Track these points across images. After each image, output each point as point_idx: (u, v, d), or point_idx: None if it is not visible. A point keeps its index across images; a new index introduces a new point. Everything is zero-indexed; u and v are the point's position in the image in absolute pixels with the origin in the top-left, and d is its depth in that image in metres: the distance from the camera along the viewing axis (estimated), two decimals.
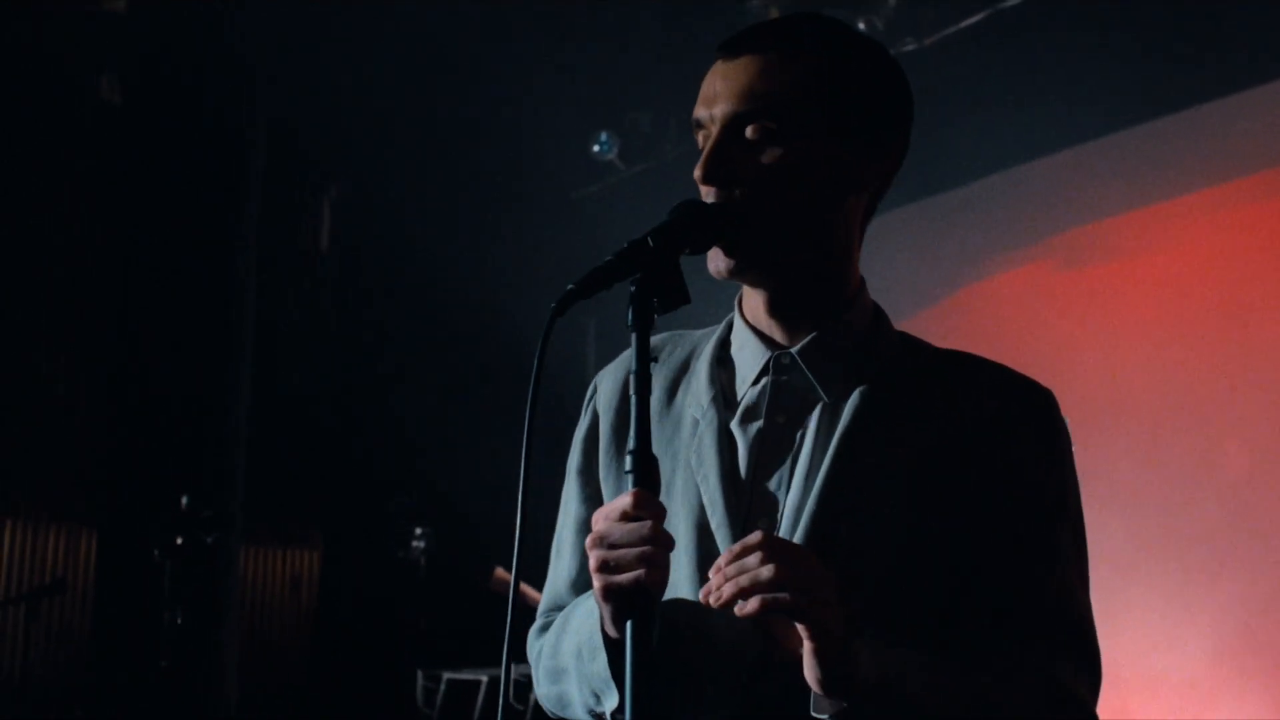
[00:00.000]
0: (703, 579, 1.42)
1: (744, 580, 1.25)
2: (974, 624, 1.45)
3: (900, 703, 1.32)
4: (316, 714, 8.07)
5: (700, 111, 1.52)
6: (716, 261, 1.49)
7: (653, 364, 1.57)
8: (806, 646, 1.28)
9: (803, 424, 1.51)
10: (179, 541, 5.92)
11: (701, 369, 1.60)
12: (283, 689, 8.18)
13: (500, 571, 6.87)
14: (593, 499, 1.68)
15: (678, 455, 1.56)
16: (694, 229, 1.44)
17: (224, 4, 6.90)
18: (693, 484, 1.53)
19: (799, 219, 1.49)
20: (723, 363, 1.60)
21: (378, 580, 7.76)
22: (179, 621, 5.90)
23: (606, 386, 1.72)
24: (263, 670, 8.00)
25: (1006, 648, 1.43)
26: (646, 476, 1.30)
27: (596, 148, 7.81)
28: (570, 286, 1.34)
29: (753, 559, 1.26)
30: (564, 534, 1.75)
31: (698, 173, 1.48)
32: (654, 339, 1.62)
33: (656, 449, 1.50)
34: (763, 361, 1.54)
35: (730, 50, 1.52)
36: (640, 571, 1.28)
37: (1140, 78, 5.98)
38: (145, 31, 7.20)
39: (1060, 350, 6.10)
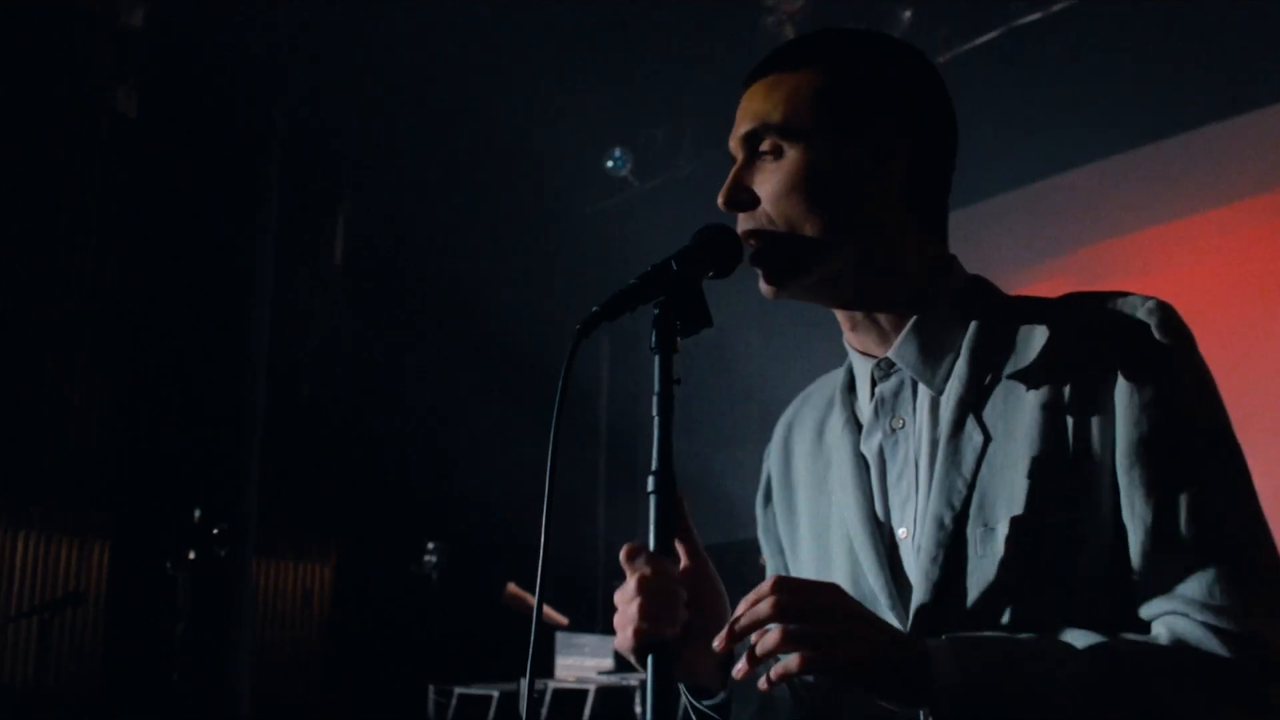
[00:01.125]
0: (859, 600, 1.42)
1: (748, 622, 1.24)
2: (1142, 576, 1.33)
3: (997, 701, 1.24)
4: None
5: (730, 139, 1.54)
6: (761, 284, 1.50)
7: (803, 403, 1.71)
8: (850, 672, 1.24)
9: (917, 423, 1.49)
10: (191, 555, 5.92)
11: (836, 400, 1.61)
12: (294, 702, 8.18)
13: (512, 587, 6.86)
14: (777, 553, 1.72)
15: (831, 491, 1.57)
16: (717, 253, 1.45)
17: (239, 18, 6.93)
18: (841, 514, 1.53)
19: (819, 224, 1.47)
20: (851, 389, 1.60)
21: (390, 594, 7.76)
22: (191, 634, 5.90)
23: (774, 450, 1.74)
24: (274, 683, 8.00)
25: (1169, 611, 1.31)
26: (665, 497, 1.31)
27: (611, 163, 7.83)
28: (595, 309, 1.34)
29: (763, 609, 1.24)
30: None
31: (720, 201, 1.50)
32: (811, 385, 1.72)
33: (812, 488, 1.59)
34: (869, 375, 1.54)
35: (750, 76, 1.54)
36: (632, 626, 1.29)
37: (1154, 96, 5.98)
38: (161, 45, 7.24)
39: None
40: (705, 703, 1.46)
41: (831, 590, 1.28)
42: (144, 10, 7.32)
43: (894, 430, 1.50)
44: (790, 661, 1.21)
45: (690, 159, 7.53)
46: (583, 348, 1.31)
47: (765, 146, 1.48)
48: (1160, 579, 1.32)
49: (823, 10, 6.71)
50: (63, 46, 7.44)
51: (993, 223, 6.96)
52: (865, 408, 1.55)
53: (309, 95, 7.54)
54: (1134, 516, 1.33)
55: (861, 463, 1.53)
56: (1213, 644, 1.27)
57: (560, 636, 6.67)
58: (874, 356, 1.53)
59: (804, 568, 1.61)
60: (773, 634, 1.22)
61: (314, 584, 8.67)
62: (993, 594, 1.36)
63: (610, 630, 1.35)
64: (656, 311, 1.35)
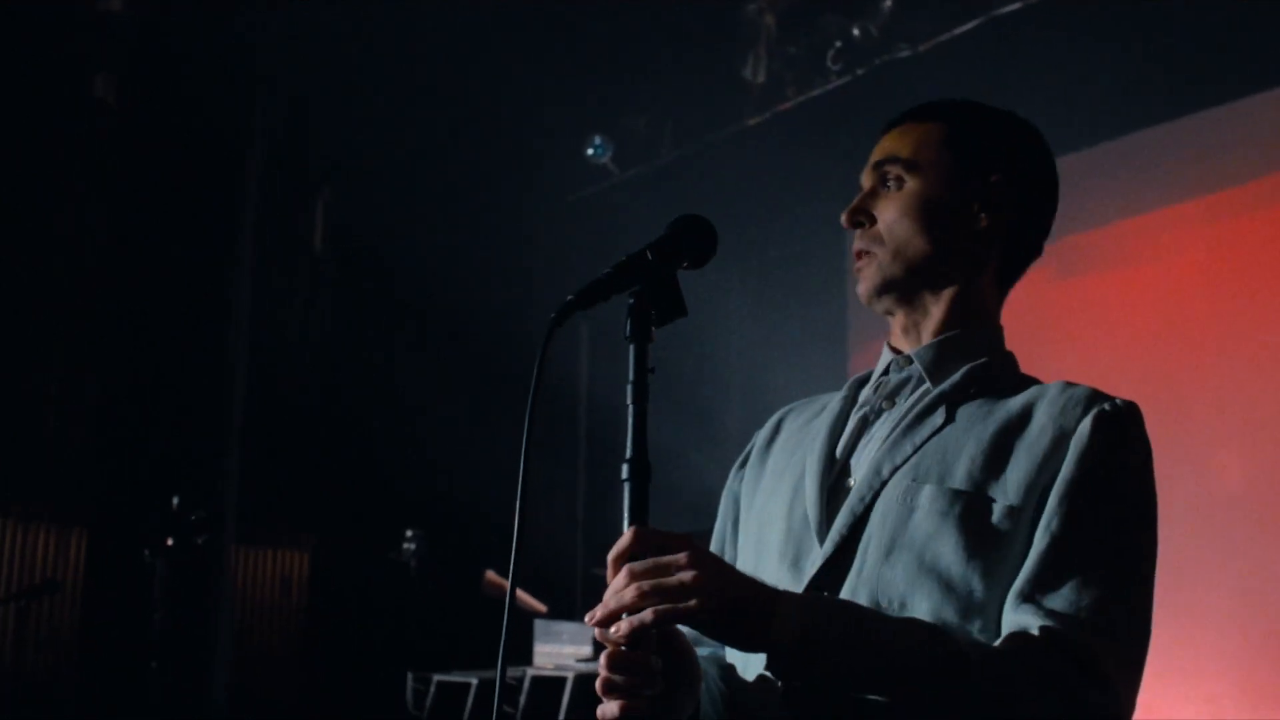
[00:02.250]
0: (786, 530, 1.61)
1: (610, 604, 1.31)
2: (1025, 577, 1.45)
3: (820, 656, 1.33)
4: (306, 715, 8.06)
5: (862, 177, 1.75)
6: (858, 288, 1.71)
7: (809, 401, 1.84)
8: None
9: (904, 406, 1.64)
10: (170, 542, 5.91)
11: (843, 390, 1.78)
12: (273, 690, 8.17)
13: (490, 575, 6.87)
14: (731, 529, 1.85)
15: (810, 446, 1.69)
16: (692, 243, 1.48)
17: (219, 5, 6.91)
18: (803, 459, 1.67)
19: (923, 248, 1.66)
20: (862, 384, 1.77)
21: (368, 582, 7.77)
22: (169, 622, 5.89)
23: (764, 430, 1.88)
24: (253, 671, 7.99)
25: (1028, 615, 1.43)
26: (639, 484, 1.32)
27: (591, 151, 7.82)
28: (569, 298, 1.37)
29: (619, 582, 1.31)
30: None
31: (843, 219, 1.72)
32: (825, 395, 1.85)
33: (789, 446, 1.75)
34: (886, 364, 1.72)
35: (886, 127, 1.77)
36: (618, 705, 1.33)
37: (1134, 86, 6.00)
38: (140, 31, 7.21)
39: (1053, 360, 6.11)
40: None
41: (681, 540, 1.34)
42: None
43: (883, 409, 1.66)
44: (644, 614, 1.28)
45: (671, 148, 7.52)
46: (561, 336, 1.33)
47: (890, 177, 1.69)
48: (1042, 584, 1.44)
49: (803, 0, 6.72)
50: (40, 33, 7.40)
51: None
52: (870, 389, 1.73)
53: (288, 84, 7.52)
54: (1046, 529, 1.47)
55: (842, 424, 1.69)
56: (1051, 648, 1.39)
57: (539, 624, 6.69)
58: (896, 353, 1.72)
59: (754, 510, 1.74)
60: (628, 590, 1.29)
61: (292, 572, 8.66)
62: (899, 539, 1.49)
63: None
64: (631, 301, 1.37)
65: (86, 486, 7.36)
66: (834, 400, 1.76)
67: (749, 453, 1.85)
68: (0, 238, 7.33)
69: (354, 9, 6.99)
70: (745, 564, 1.68)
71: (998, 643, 1.40)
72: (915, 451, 1.56)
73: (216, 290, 7.14)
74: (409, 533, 6.95)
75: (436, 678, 6.57)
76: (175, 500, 5.98)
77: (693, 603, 1.28)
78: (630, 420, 1.32)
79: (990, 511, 1.48)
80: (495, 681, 1.40)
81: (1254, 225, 5.95)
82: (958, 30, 6.18)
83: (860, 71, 6.52)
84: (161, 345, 6.98)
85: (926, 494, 1.51)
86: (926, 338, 1.69)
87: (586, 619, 1.33)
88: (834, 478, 1.61)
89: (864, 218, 1.69)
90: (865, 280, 1.69)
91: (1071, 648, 1.38)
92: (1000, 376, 1.66)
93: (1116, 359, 6.20)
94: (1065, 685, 1.37)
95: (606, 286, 1.38)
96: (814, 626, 1.32)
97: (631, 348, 1.34)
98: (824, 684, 1.37)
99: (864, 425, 1.66)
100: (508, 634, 1.39)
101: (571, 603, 8.13)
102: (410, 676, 6.72)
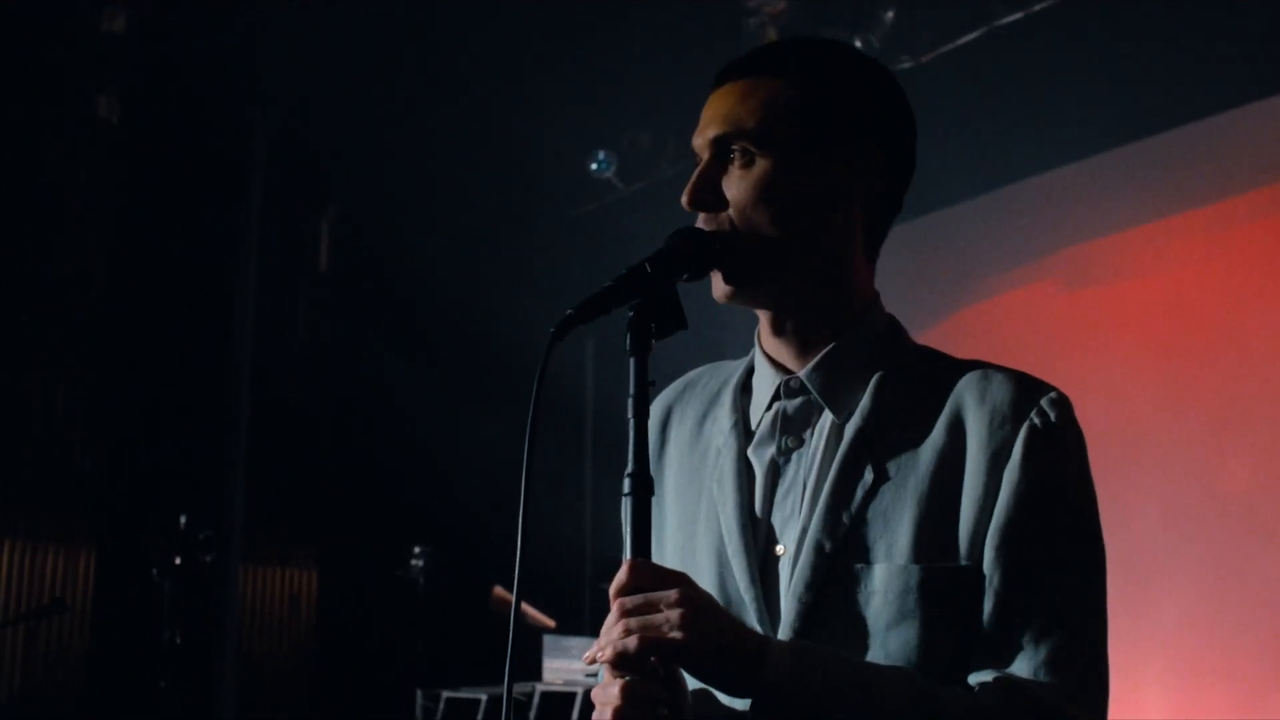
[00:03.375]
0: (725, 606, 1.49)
1: (605, 644, 1.31)
2: (981, 641, 1.41)
3: (808, 705, 1.32)
4: None
5: (695, 140, 1.56)
6: (716, 286, 1.52)
7: (686, 388, 1.72)
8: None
9: (813, 446, 1.52)
10: (177, 561, 5.92)
11: (726, 397, 1.63)
12: (281, 708, 8.16)
13: (499, 590, 6.86)
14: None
15: (703, 484, 1.59)
16: (691, 255, 1.47)
17: (222, 24, 6.92)
18: (715, 512, 1.55)
19: (783, 234, 1.49)
20: (746, 390, 1.62)
21: (376, 599, 7.76)
22: (177, 641, 5.89)
23: (654, 412, 1.74)
24: (261, 689, 7.98)
25: (995, 671, 1.39)
26: (641, 499, 1.32)
27: (594, 166, 7.82)
28: (569, 312, 1.36)
29: (609, 621, 1.31)
30: None
31: (684, 199, 1.51)
32: (694, 371, 1.72)
33: (685, 477, 1.60)
34: (773, 387, 1.56)
35: (720, 78, 1.57)
36: None
37: (1137, 94, 5.99)
38: (143, 51, 7.22)
39: (1061, 370, 6.09)
40: None
41: (674, 577, 1.33)
42: (126, 16, 7.30)
43: (789, 449, 1.53)
44: (629, 642, 1.28)
45: (674, 162, 7.52)
46: (565, 350, 1.32)
47: (736, 151, 1.50)
48: (998, 648, 1.39)
49: (805, 11, 6.72)
50: (44, 53, 7.42)
51: (978, 223, 6.98)
52: (759, 414, 1.58)
53: (292, 100, 7.53)
54: (990, 587, 1.40)
55: (747, 469, 1.55)
56: (1026, 712, 1.35)
57: (547, 639, 6.67)
58: (785, 369, 1.55)
59: (668, 557, 1.62)
60: (616, 627, 1.29)
61: (300, 589, 8.65)
62: (859, 628, 1.42)
63: (596, 632, 1.36)
64: (631, 314, 1.36)
65: (94, 506, 7.35)
66: (721, 415, 1.61)
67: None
68: (4, 257, 7.33)
69: (358, 25, 7.00)
70: None
71: (976, 701, 1.37)
72: (853, 524, 1.44)
73: (222, 308, 7.15)
74: (417, 549, 6.95)
75: (445, 694, 6.56)
76: (182, 519, 5.99)
77: (679, 638, 1.27)
78: (631, 434, 1.32)
79: (948, 581, 1.41)
80: (503, 697, 1.39)
81: (1261, 232, 5.94)
82: (959, 41, 6.18)
83: None
84: (167, 363, 6.99)
85: (879, 576, 1.42)
86: (810, 346, 1.54)
87: (584, 659, 1.33)
88: (761, 544, 1.51)
89: (711, 198, 1.50)
90: (724, 274, 1.50)
91: (1043, 712, 1.35)
92: (906, 381, 1.52)
93: (1123, 368, 6.19)
94: None
95: (606, 300, 1.37)
96: (803, 674, 1.32)
97: (631, 361, 1.33)
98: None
99: (775, 471, 1.53)
100: (514, 649, 1.38)
101: (580, 617, 8.11)
102: (419, 693, 6.70)
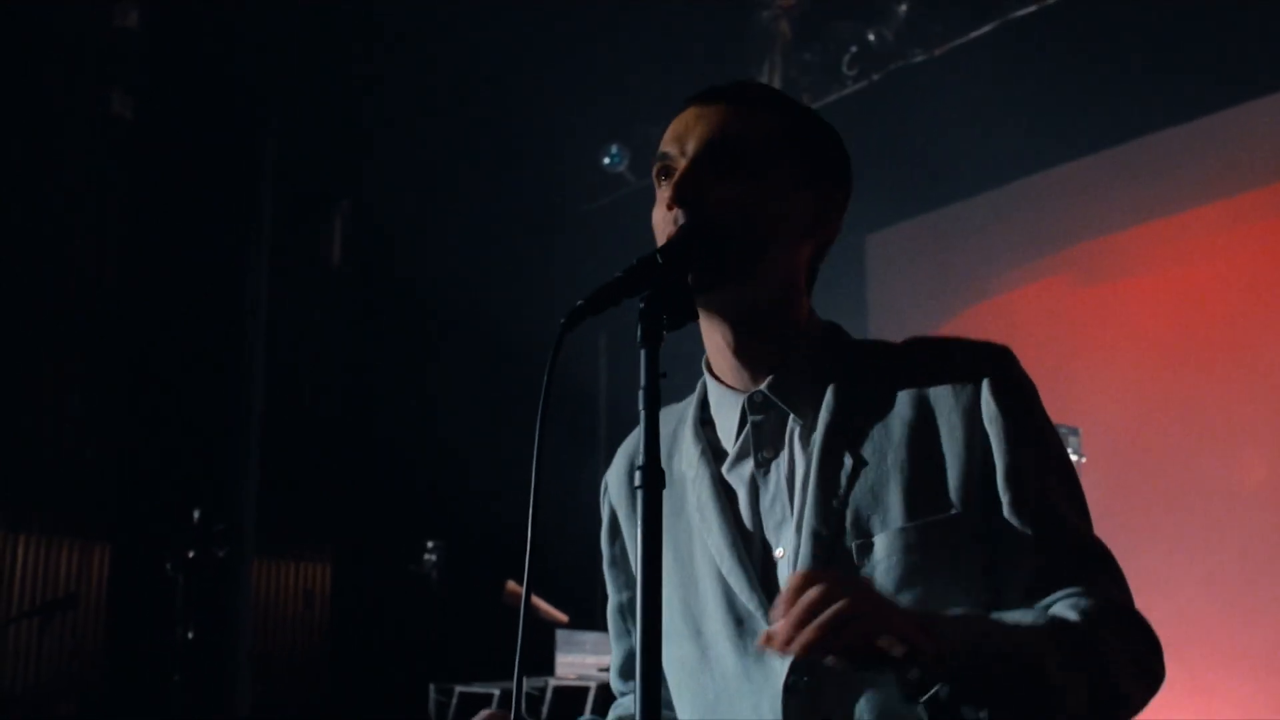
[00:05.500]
0: (734, 624, 1.55)
1: (826, 619, 1.24)
2: (1007, 587, 1.48)
3: (1004, 664, 1.32)
4: None
5: (669, 147, 1.61)
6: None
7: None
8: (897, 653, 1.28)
9: (788, 452, 1.58)
10: (191, 555, 5.93)
11: (686, 432, 1.69)
12: (294, 702, 8.18)
13: (512, 585, 6.86)
14: (628, 585, 1.83)
15: (689, 518, 1.64)
16: (702, 247, 1.47)
17: (234, 21, 6.93)
18: (704, 539, 1.60)
19: (757, 246, 1.55)
20: (705, 422, 1.68)
21: (390, 594, 7.76)
22: (191, 635, 5.91)
23: (614, 483, 1.84)
24: (274, 683, 8.00)
25: (1065, 592, 1.45)
26: (654, 491, 1.31)
27: (607, 160, 7.82)
28: (580, 303, 1.36)
29: (815, 594, 1.25)
30: (610, 624, 1.90)
31: (669, 194, 1.56)
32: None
33: (669, 517, 1.60)
34: (739, 407, 1.61)
35: (704, 98, 1.64)
36: None
37: (1150, 88, 5.97)
38: (156, 47, 7.24)
39: (1075, 365, 6.09)
40: None
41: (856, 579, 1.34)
42: (138, 13, 7.32)
43: (766, 460, 1.59)
44: (856, 630, 1.24)
45: None
46: (578, 344, 1.32)
47: (725, 161, 1.56)
48: (1055, 577, 1.47)
49: (819, 6, 6.71)
50: (57, 49, 7.44)
51: (991, 217, 6.96)
52: (726, 438, 1.63)
53: (303, 96, 7.54)
54: (1022, 528, 1.48)
55: (724, 490, 1.61)
56: (1095, 612, 1.42)
57: (560, 634, 6.67)
58: (742, 390, 1.62)
59: (669, 594, 1.65)
60: (840, 606, 1.24)
61: (314, 583, 8.67)
62: None
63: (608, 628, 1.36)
64: (642, 306, 1.36)
65: (108, 501, 7.38)
66: (685, 448, 1.67)
67: (612, 518, 1.84)
68: (19, 254, 7.36)
69: (370, 22, 7.00)
70: (684, 658, 1.65)
71: (1068, 616, 1.42)
72: (843, 507, 1.51)
73: (235, 304, 7.15)
74: (430, 544, 6.95)
75: (459, 689, 6.56)
76: (196, 514, 6.00)
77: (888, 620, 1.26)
78: (643, 426, 1.31)
79: (946, 532, 1.48)
80: (514, 691, 1.39)
81: (1276, 227, 5.91)
82: (972, 35, 6.16)
83: (875, 77, 6.51)
84: (180, 359, 7.00)
85: (880, 546, 1.48)
86: (763, 363, 1.60)
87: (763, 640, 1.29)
88: (758, 554, 1.56)
89: (693, 197, 1.55)
90: (698, 271, 1.51)
91: (1106, 608, 1.43)
92: (860, 373, 1.59)
93: (1138, 363, 6.17)
94: (1144, 653, 1.44)
95: (617, 291, 1.37)
96: (974, 640, 1.32)
97: (642, 353, 1.33)
98: (983, 695, 1.32)
99: (756, 485, 1.59)
100: (524, 643, 1.38)
101: (593, 612, 8.11)
102: (433, 688, 6.71)
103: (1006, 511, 1.48)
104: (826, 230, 1.64)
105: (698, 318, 1.39)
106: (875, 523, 1.49)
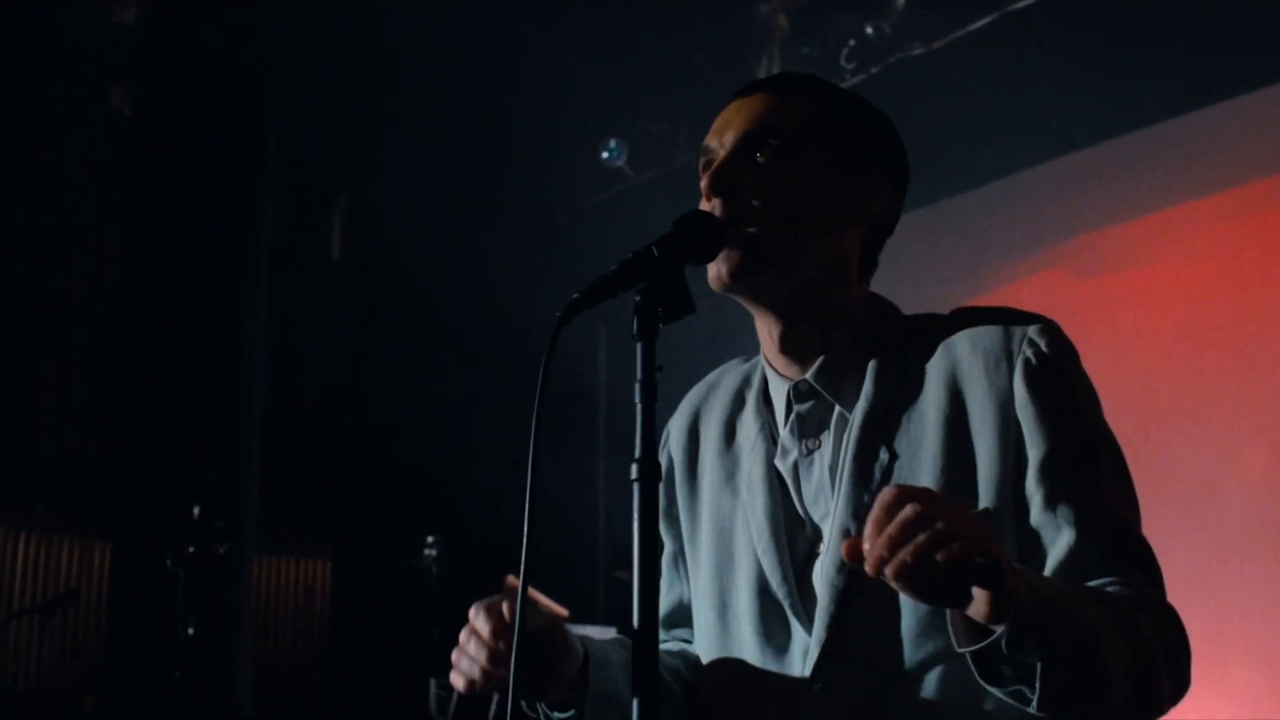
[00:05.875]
0: (761, 610, 1.57)
1: (925, 541, 1.18)
2: (1065, 571, 1.46)
3: (1059, 617, 1.28)
4: None
5: (711, 140, 1.62)
6: (718, 268, 1.56)
7: (709, 390, 1.79)
8: (978, 585, 1.23)
9: (831, 444, 1.58)
10: (192, 552, 5.93)
11: (751, 402, 1.70)
12: (296, 698, 8.18)
13: (512, 579, 6.83)
14: (676, 538, 1.80)
15: (737, 490, 1.66)
16: (699, 239, 1.48)
17: (233, 17, 6.92)
18: (746, 517, 1.62)
19: (794, 232, 1.57)
20: (767, 399, 1.69)
21: (390, 589, 7.76)
22: (192, 631, 5.91)
23: (676, 432, 1.82)
24: (276, 680, 8.01)
25: (1103, 582, 1.44)
26: (648, 482, 1.30)
27: (606, 155, 7.80)
28: (575, 296, 1.36)
29: (910, 513, 1.19)
30: (663, 571, 1.86)
31: (705, 184, 1.56)
32: (714, 373, 1.81)
33: (719, 483, 1.67)
34: (785, 395, 1.63)
35: (744, 91, 1.65)
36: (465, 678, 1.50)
37: (1150, 80, 5.96)
38: (155, 42, 7.23)
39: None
40: (559, 716, 1.58)
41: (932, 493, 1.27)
42: (136, 9, 7.31)
43: (809, 451, 1.60)
44: (958, 550, 1.18)
45: (686, 150, 7.50)
46: (577, 339, 1.32)
47: (763, 150, 1.57)
48: (1092, 567, 1.45)
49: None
50: (56, 46, 7.43)
51: (990, 209, 6.94)
52: (780, 423, 1.65)
53: (304, 91, 7.53)
54: (1059, 518, 1.46)
55: (775, 476, 1.63)
56: (1137, 600, 1.42)
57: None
58: (788, 378, 1.62)
59: (702, 558, 1.70)
60: (940, 528, 1.18)
61: (314, 579, 8.67)
62: (893, 602, 1.46)
63: (610, 621, 1.37)
64: (638, 298, 1.35)
65: (108, 498, 7.38)
66: (747, 421, 1.68)
67: (670, 465, 1.79)
68: (18, 250, 7.36)
69: (369, 17, 6.99)
70: (707, 625, 1.66)
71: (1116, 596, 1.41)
72: (872, 492, 1.50)
73: (235, 299, 7.15)
74: (430, 539, 6.95)
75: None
76: (196, 510, 6.00)
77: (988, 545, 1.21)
78: (639, 419, 1.31)
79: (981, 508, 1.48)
80: (512, 682, 1.39)
81: (1276, 219, 5.90)
82: (971, 27, 6.15)
83: (874, 70, 6.50)
84: (180, 355, 6.99)
85: None
86: (810, 349, 1.60)
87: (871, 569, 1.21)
88: (805, 545, 1.56)
89: (731, 186, 1.56)
90: (729, 260, 1.55)
91: (1147, 604, 1.42)
92: (901, 359, 1.58)
93: (1138, 357, 6.16)
94: (1164, 629, 1.42)
95: (613, 284, 1.37)
96: (1039, 593, 1.28)
97: (639, 346, 1.33)
98: (1042, 652, 1.27)
99: (797, 475, 1.60)
100: (520, 639, 1.38)
101: (593, 607, 8.11)
102: (433, 683, 6.71)
103: (1040, 508, 1.47)
104: (875, 215, 1.64)
105: (694, 310, 1.38)
106: None
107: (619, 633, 1.99)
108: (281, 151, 7.50)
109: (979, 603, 1.24)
